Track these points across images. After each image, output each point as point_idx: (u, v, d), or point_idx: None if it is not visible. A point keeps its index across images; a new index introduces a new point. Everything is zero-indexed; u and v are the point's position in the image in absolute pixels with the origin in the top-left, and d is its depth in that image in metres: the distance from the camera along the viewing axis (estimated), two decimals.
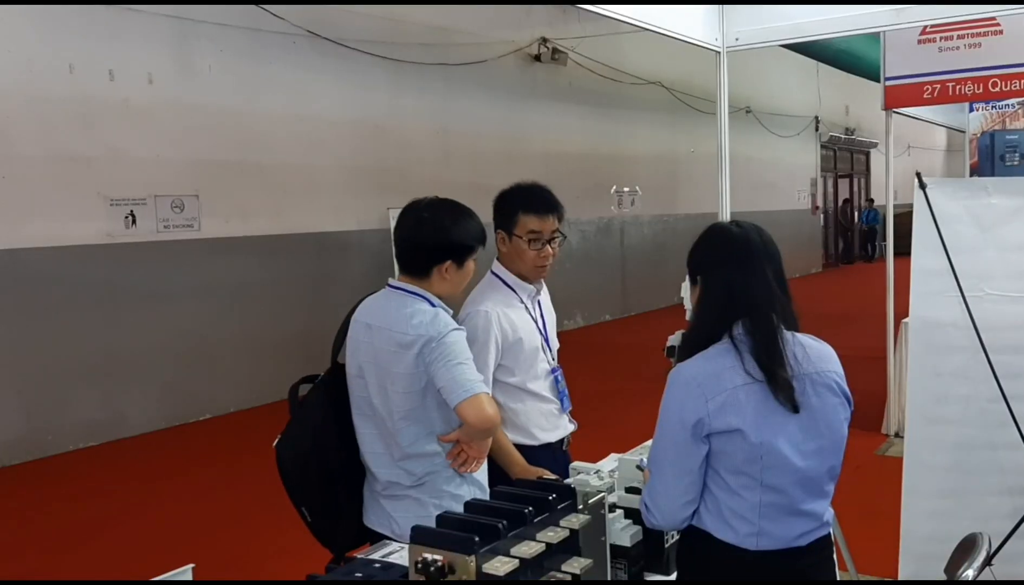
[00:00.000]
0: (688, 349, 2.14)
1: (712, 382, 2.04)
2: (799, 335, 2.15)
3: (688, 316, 2.28)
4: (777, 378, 2.03)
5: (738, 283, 2.11)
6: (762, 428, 2.02)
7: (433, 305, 2.63)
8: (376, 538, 2.69)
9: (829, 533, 2.21)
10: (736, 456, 2.03)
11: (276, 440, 2.84)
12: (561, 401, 3.19)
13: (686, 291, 2.63)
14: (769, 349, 2.05)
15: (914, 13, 3.67)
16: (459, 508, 2.39)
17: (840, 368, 2.19)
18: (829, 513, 2.19)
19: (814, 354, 2.14)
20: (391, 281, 2.73)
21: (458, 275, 2.68)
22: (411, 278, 2.68)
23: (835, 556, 2.58)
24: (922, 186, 3.39)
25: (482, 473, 2.76)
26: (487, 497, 2.54)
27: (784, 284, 2.17)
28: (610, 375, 9.19)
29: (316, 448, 2.75)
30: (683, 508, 2.10)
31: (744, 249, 2.13)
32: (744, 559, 2.09)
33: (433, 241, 2.65)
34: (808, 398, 2.06)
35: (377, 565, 2.04)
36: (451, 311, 2.72)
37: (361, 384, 2.67)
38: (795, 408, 2.03)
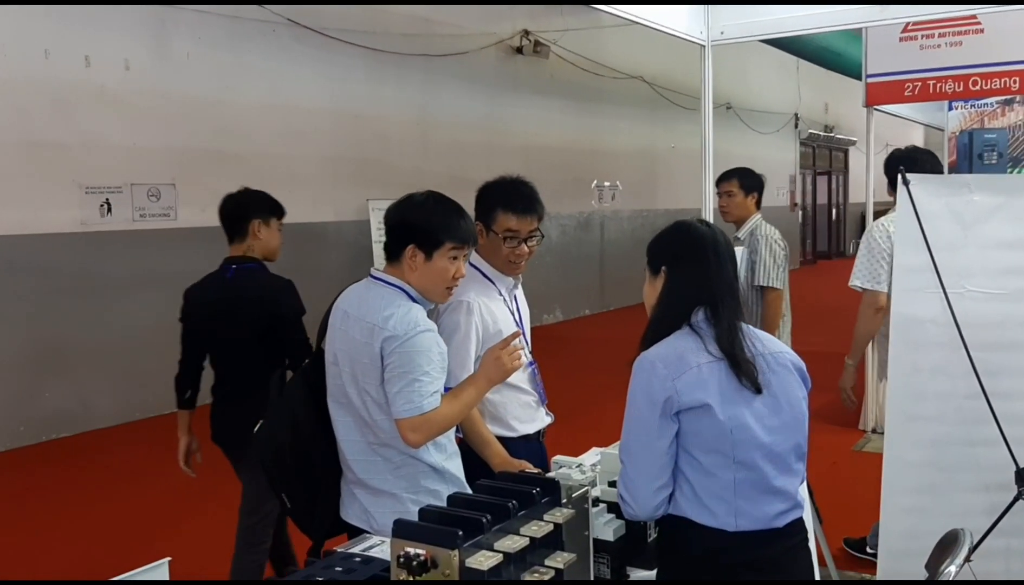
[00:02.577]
0: (652, 337, 2.24)
1: (677, 362, 2.13)
2: (752, 328, 2.28)
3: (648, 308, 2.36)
4: (739, 360, 2.14)
5: (703, 275, 2.23)
6: (728, 404, 2.11)
7: (411, 299, 2.59)
8: (354, 531, 2.67)
9: (802, 517, 2.26)
10: (707, 434, 2.10)
11: (256, 427, 2.80)
12: (538, 393, 3.20)
13: None
14: (730, 333, 2.17)
15: (899, 9, 3.68)
16: (438, 503, 2.38)
17: (796, 356, 2.31)
18: (803, 497, 2.26)
19: (768, 341, 2.28)
20: (373, 271, 2.70)
21: (426, 268, 2.59)
22: (390, 265, 2.65)
23: (815, 550, 2.59)
24: (905, 182, 3.39)
25: (458, 469, 2.74)
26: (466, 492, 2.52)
27: (737, 284, 2.31)
28: (588, 369, 9.18)
29: (294, 436, 2.72)
30: (657, 493, 2.13)
31: (713, 245, 2.25)
32: (724, 541, 2.12)
33: (402, 216, 2.63)
34: (767, 377, 2.17)
35: (358, 559, 2.01)
36: (430, 305, 2.69)
37: (336, 372, 2.65)
38: (758, 389, 2.13)
